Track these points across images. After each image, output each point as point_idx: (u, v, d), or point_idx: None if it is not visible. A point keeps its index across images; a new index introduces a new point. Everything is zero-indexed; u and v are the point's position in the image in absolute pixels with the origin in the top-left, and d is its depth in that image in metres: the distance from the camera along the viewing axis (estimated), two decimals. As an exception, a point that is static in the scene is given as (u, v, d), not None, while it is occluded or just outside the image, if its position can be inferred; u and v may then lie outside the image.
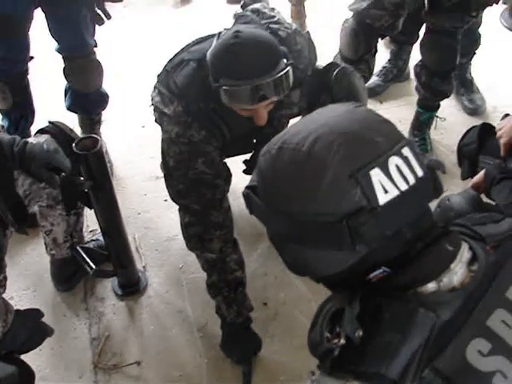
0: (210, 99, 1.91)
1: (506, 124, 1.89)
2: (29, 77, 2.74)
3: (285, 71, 1.80)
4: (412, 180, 0.91)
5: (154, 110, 2.06)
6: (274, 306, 2.35)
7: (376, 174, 0.89)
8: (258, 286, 2.42)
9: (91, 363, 2.19)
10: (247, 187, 1.03)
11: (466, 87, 3.28)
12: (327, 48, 2.69)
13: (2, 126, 2.09)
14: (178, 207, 2.09)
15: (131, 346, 2.24)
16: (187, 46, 2.09)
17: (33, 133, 2.39)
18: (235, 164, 2.55)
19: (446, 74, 2.80)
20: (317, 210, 0.91)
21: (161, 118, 2.02)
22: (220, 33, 1.92)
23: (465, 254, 0.95)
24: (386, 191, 0.89)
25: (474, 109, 3.23)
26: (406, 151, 0.92)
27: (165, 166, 2.06)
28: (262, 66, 1.78)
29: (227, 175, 2.16)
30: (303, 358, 2.08)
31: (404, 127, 3.08)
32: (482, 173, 1.71)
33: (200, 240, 2.06)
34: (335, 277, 0.96)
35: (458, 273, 0.92)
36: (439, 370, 0.83)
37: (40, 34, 2.66)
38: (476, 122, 2.20)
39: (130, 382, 2.14)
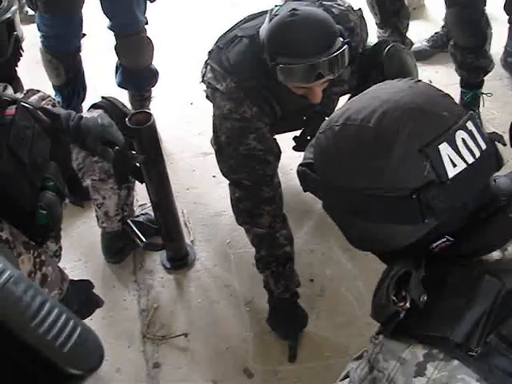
0: (262, 76, 1.92)
1: None
2: (81, 54, 2.79)
3: (341, 50, 1.81)
4: (477, 153, 0.92)
5: (207, 87, 2.08)
6: (321, 283, 2.36)
7: (444, 148, 0.90)
8: (304, 262, 2.43)
9: (140, 333, 2.25)
10: (302, 164, 1.05)
11: None
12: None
13: (59, 102, 2.14)
14: (227, 183, 2.12)
15: (179, 318, 2.29)
16: (239, 22, 2.10)
17: (84, 109, 2.45)
18: (283, 141, 2.57)
19: (478, 49, 2.72)
20: (386, 186, 0.92)
21: (213, 94, 2.04)
22: (272, 10, 1.92)
23: None
24: (454, 165, 0.90)
25: None
26: (469, 125, 0.94)
27: (216, 141, 2.08)
28: (318, 45, 1.79)
29: (277, 152, 2.17)
30: (348, 335, 2.15)
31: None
32: None
33: (250, 215, 2.08)
34: (401, 249, 0.97)
35: None
36: (504, 335, 0.84)
37: (92, 11, 2.71)
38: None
39: (177, 353, 2.19)
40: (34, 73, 2.63)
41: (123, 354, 2.18)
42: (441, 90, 1.00)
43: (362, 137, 0.93)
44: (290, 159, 2.82)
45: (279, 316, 2.18)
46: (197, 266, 2.43)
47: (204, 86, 2.16)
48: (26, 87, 2.07)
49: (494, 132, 1.01)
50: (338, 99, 2.26)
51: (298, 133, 2.36)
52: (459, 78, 2.87)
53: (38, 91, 2.06)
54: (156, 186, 2.22)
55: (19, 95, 1.91)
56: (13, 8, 1.89)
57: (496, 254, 0.92)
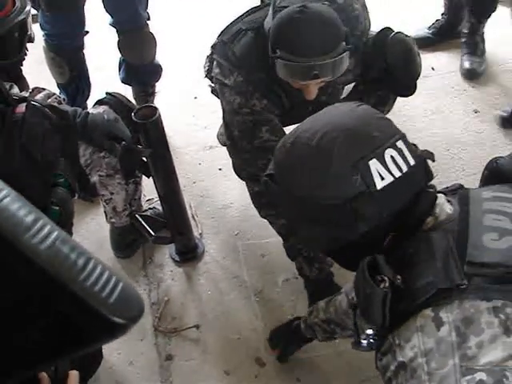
0: (269, 68, 1.93)
1: None
2: (84, 51, 2.81)
3: (341, 55, 1.82)
4: (405, 168, 1.08)
5: (215, 83, 2.09)
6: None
7: (373, 164, 1.06)
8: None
9: (151, 327, 2.27)
10: (266, 175, 1.20)
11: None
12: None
13: (64, 99, 2.16)
14: (234, 175, 2.12)
15: (190, 311, 2.31)
16: (241, 16, 2.10)
17: (89, 106, 2.46)
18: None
19: None
20: (325, 195, 1.08)
21: (222, 89, 2.04)
22: (275, 1, 1.93)
23: (442, 196, 1.15)
24: (382, 178, 1.06)
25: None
26: (400, 144, 1.10)
27: (229, 136, 2.08)
28: (321, 47, 1.80)
29: None
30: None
31: (456, 94, 3.05)
32: None
33: (273, 207, 2.08)
34: (351, 250, 1.13)
35: (444, 203, 1.12)
36: (473, 261, 0.99)
37: (94, 8, 2.72)
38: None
39: (189, 345, 2.21)
40: (37, 73, 2.64)
41: (136, 348, 2.21)
42: (379, 113, 1.17)
43: (307, 154, 1.11)
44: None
45: (319, 298, 2.17)
46: (206, 259, 2.45)
47: (208, 81, 2.17)
48: (30, 87, 2.09)
49: (425, 150, 1.15)
50: (343, 88, 2.26)
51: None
52: None
53: (44, 89, 2.07)
54: (163, 180, 2.23)
55: (25, 94, 1.93)
56: (26, 9, 1.91)
57: (430, 219, 1.10)
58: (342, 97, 2.41)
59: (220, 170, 2.72)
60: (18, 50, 1.85)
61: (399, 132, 1.13)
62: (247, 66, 1.96)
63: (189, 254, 2.47)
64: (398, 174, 1.07)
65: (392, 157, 1.07)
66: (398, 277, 1.04)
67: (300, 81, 1.89)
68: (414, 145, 1.15)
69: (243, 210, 2.47)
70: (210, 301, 2.32)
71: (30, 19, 1.94)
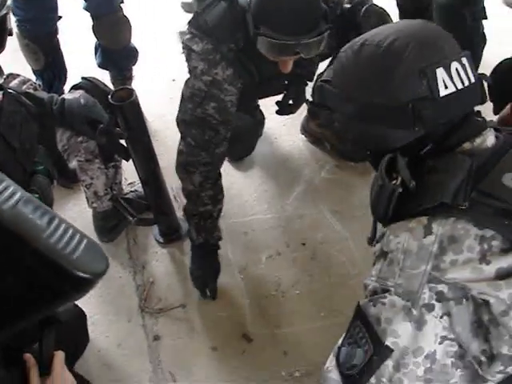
0: (240, 39, 1.95)
1: None
2: (59, 36, 2.79)
3: (324, 34, 1.86)
4: (466, 82, 1.14)
5: (183, 48, 2.10)
6: (312, 246, 2.40)
7: (440, 73, 1.11)
8: (295, 227, 2.47)
9: (138, 308, 2.28)
10: (321, 80, 1.26)
11: None
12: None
13: (39, 85, 2.15)
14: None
15: (175, 291, 2.32)
16: None
17: (66, 91, 2.45)
18: (267, 111, 2.60)
19: None
20: (389, 94, 1.14)
21: (189, 54, 2.06)
22: None
23: (492, 130, 1.20)
24: (446, 87, 1.12)
25: None
26: (464, 60, 1.16)
27: (182, 93, 2.12)
28: (304, 26, 1.83)
29: (260, 118, 2.19)
30: (342, 295, 2.20)
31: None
32: (509, 106, 1.74)
33: (185, 169, 2.15)
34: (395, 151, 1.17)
35: (489, 137, 1.17)
36: (483, 190, 1.06)
37: (67, -8, 2.70)
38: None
39: (175, 325, 2.22)
40: (12, 62, 2.62)
41: (123, 329, 2.22)
42: (447, 33, 1.20)
43: (376, 55, 1.15)
44: (274, 129, 2.87)
45: (197, 263, 2.27)
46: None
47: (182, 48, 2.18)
48: (4, 73, 2.07)
49: (482, 73, 1.23)
50: (318, 62, 2.28)
51: (280, 97, 2.38)
52: None
53: (18, 75, 2.06)
54: (143, 163, 2.24)
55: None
56: (7, 3, 1.89)
57: (466, 145, 1.15)
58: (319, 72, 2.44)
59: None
60: (1, 44, 1.83)
61: (465, 50, 1.18)
62: (217, 35, 1.98)
63: (172, 234, 2.48)
64: (460, 85, 1.13)
65: (457, 69, 1.13)
66: (413, 182, 1.12)
67: (281, 57, 1.91)
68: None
69: (225, 189, 2.47)
70: (195, 280, 2.33)
71: (10, 14, 1.93)
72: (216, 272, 2.28)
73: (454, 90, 1.12)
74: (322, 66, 2.38)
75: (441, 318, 1.05)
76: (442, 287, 1.04)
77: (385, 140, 1.19)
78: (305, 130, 2.79)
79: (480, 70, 1.26)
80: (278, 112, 2.42)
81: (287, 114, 2.49)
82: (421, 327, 1.06)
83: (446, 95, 1.12)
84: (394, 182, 1.13)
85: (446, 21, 2.45)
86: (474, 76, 1.17)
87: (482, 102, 1.20)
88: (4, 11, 1.84)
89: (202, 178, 2.15)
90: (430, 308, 1.05)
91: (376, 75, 1.15)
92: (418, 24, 1.21)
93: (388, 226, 1.16)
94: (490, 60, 2.18)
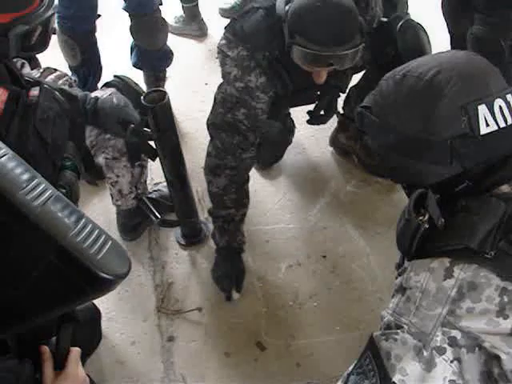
0: (275, 48, 1.96)
1: None
2: (96, 34, 2.82)
3: (358, 47, 1.86)
4: (510, 121, 1.10)
5: (218, 53, 2.11)
6: (333, 259, 2.39)
7: (482, 109, 1.08)
8: (317, 239, 2.46)
9: (155, 308, 2.29)
10: (361, 106, 1.25)
11: None
12: None
13: (75, 81, 2.18)
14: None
15: (193, 294, 2.33)
16: None
17: (99, 88, 2.48)
18: (297, 120, 2.60)
19: None
20: (428, 129, 1.11)
21: (223, 60, 2.08)
22: None
23: None
24: (487, 125, 1.09)
25: None
26: (509, 97, 1.12)
27: (214, 96, 2.14)
28: (339, 37, 1.84)
29: (291, 126, 2.19)
30: (359, 311, 2.19)
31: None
32: None
33: (211, 171, 2.18)
34: (430, 186, 1.16)
35: None
36: (511, 240, 1.03)
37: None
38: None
39: (191, 327, 2.23)
40: (49, 57, 2.67)
41: (138, 328, 2.23)
42: (492, 65, 1.18)
43: (418, 87, 1.13)
44: (303, 139, 2.86)
45: (220, 265, 2.30)
46: (210, 243, 2.46)
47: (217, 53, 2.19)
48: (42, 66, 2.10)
49: None
50: (351, 74, 2.27)
51: (312, 107, 2.39)
52: None
53: (56, 70, 2.09)
54: (171, 164, 2.25)
55: (36, 73, 1.95)
56: (54, 3, 1.92)
57: (504, 187, 1.12)
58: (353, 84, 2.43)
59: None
60: (43, 43, 1.86)
61: (509, 86, 1.15)
62: (253, 42, 1.99)
63: (194, 237, 2.49)
64: (503, 124, 1.10)
65: (500, 107, 1.10)
66: (442, 220, 1.11)
67: (314, 68, 1.92)
68: None
69: (250, 195, 2.48)
70: (214, 285, 2.33)
71: (55, 14, 1.96)
72: (240, 274, 2.30)
73: (496, 128, 1.09)
74: (356, 78, 2.38)
75: (451, 362, 1.03)
76: (455, 333, 1.03)
77: (420, 174, 1.17)
78: (333, 142, 2.78)
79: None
80: (308, 122, 2.42)
81: (318, 124, 2.50)
82: (430, 369, 1.04)
83: (487, 133, 1.09)
84: (421, 218, 1.12)
85: (483, 53, 2.40)
86: None
87: None
88: (51, 11, 1.87)
89: (227, 182, 2.17)
90: (441, 351, 1.04)
91: (416, 109, 1.13)
92: (463, 57, 1.18)
93: (411, 260, 1.15)
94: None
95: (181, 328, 2.23)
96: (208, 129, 2.18)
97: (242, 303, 2.28)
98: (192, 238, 2.49)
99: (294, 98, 2.19)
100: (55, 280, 0.73)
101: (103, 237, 0.73)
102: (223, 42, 2.07)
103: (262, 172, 2.75)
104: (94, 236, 0.73)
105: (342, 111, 2.61)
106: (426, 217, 1.11)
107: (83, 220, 0.73)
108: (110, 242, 0.73)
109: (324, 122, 2.49)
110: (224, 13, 3.67)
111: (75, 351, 1.16)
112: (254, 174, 2.65)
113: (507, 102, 1.11)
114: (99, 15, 2.79)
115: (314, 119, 2.41)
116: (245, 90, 2.03)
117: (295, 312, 2.24)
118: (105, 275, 0.72)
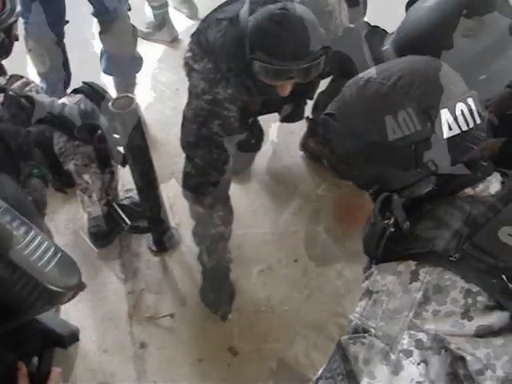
0: (240, 59, 1.94)
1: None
2: (65, 40, 2.81)
3: (319, 60, 1.83)
4: (472, 124, 1.12)
5: (184, 65, 2.10)
6: (304, 263, 2.40)
7: (444, 114, 1.10)
8: (288, 243, 2.47)
9: (127, 315, 2.28)
10: (325, 114, 1.25)
11: None
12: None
13: (42, 88, 2.16)
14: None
15: (165, 300, 2.33)
16: (219, 6, 2.12)
17: (69, 95, 2.47)
18: (268, 126, 2.61)
19: None
20: (392, 135, 1.11)
21: (190, 73, 2.06)
22: None
23: (498, 176, 1.18)
24: (450, 128, 1.10)
25: None
26: (470, 101, 1.13)
27: (184, 114, 2.11)
28: (299, 52, 1.80)
29: (259, 133, 2.19)
30: (330, 314, 2.19)
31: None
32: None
33: (194, 192, 2.13)
34: (395, 191, 1.17)
35: (493, 183, 1.15)
36: (476, 243, 1.04)
37: (75, -2, 2.72)
38: None
39: (163, 333, 2.23)
40: (15, 63, 2.65)
41: (110, 335, 2.23)
42: (452, 70, 1.18)
43: (381, 92, 1.13)
44: (274, 145, 2.87)
45: (210, 287, 2.28)
46: (182, 249, 2.47)
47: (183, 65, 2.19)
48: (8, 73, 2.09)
49: (490, 113, 1.25)
50: (318, 82, 2.29)
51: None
52: None
53: (22, 77, 2.07)
54: (140, 171, 2.24)
55: (2, 80, 1.93)
56: (17, 10, 1.90)
57: (468, 190, 1.14)
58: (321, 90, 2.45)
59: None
60: (4, 50, 1.84)
61: (471, 90, 1.16)
62: (218, 54, 1.97)
63: (165, 243, 2.49)
64: (465, 127, 1.11)
65: (462, 111, 1.11)
66: (408, 223, 1.12)
67: (275, 82, 1.91)
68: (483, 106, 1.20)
69: (221, 201, 2.48)
70: (185, 290, 2.34)
71: (18, 21, 1.95)
72: (231, 296, 2.29)
73: (458, 131, 1.11)
74: (324, 82, 2.40)
75: (418, 364, 1.04)
76: (421, 336, 1.04)
77: (385, 179, 1.19)
78: (303, 146, 2.80)
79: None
80: (282, 120, 2.44)
81: (287, 122, 2.51)
82: (397, 372, 1.04)
83: (450, 137, 1.10)
84: (387, 221, 1.14)
85: None
86: (480, 116, 1.15)
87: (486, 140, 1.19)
88: (13, 18, 1.85)
89: (212, 200, 2.12)
90: (408, 354, 1.04)
91: (379, 114, 1.13)
92: (424, 61, 1.19)
93: (378, 264, 1.16)
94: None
95: (153, 334, 2.22)
96: (183, 149, 2.14)
97: (214, 308, 2.29)
98: (163, 245, 2.48)
99: (261, 108, 2.19)
100: (3, 293, 0.73)
101: (52, 249, 0.73)
102: (189, 54, 2.06)
103: (233, 177, 2.75)
104: (42, 248, 0.73)
105: (311, 116, 2.63)
106: (392, 220, 1.13)
107: (32, 232, 0.73)
108: (59, 254, 0.73)
109: (294, 121, 2.52)
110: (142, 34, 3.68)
111: (56, 372, 1.15)
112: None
113: (468, 106, 1.12)
114: (67, 21, 2.77)
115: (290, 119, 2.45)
116: (214, 102, 2.02)
117: (267, 316, 2.25)
118: (53, 287, 0.71)
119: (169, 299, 2.33)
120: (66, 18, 2.75)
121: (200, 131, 2.05)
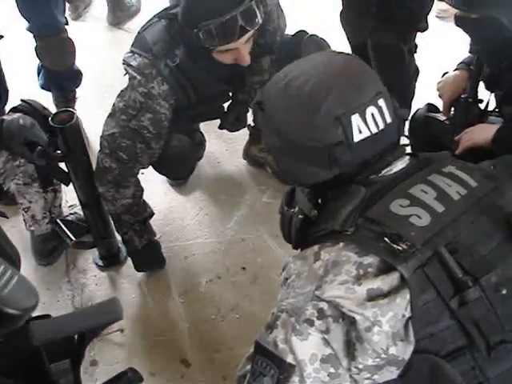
0: (176, 56, 1.99)
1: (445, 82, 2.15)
2: (0, 56, 2.76)
3: (253, 1, 1.89)
4: (381, 125, 1.20)
5: (123, 63, 2.13)
6: (252, 270, 2.42)
7: (355, 119, 1.17)
8: (235, 251, 2.49)
9: (76, 333, 2.25)
10: (255, 102, 1.31)
11: None
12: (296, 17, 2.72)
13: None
14: (98, 149, 2.22)
15: (114, 315, 2.30)
16: (162, 10, 2.15)
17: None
18: (210, 134, 2.61)
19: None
20: (308, 136, 1.20)
21: (127, 69, 2.10)
22: None
23: (406, 158, 1.27)
24: (360, 132, 1.18)
25: None
26: (381, 102, 1.21)
27: (114, 106, 2.14)
28: (232, 0, 1.87)
29: (200, 140, 2.21)
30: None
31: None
32: None
33: (116, 186, 2.18)
34: (313, 184, 1.28)
35: (397, 165, 1.24)
36: (368, 216, 1.15)
37: (9, 11, 2.68)
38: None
39: (113, 349, 2.20)
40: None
41: (60, 354, 2.19)
42: (366, 65, 1.27)
43: (299, 96, 1.20)
44: (216, 153, 2.89)
45: (145, 261, 2.38)
46: (129, 262, 2.44)
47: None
48: None
49: (404, 109, 1.27)
50: (260, 88, 2.31)
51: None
52: None
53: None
54: (83, 186, 2.23)
55: None
56: None
57: (373, 176, 1.22)
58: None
59: (142, 173, 2.70)
60: None
61: (382, 88, 1.24)
62: (155, 51, 2.03)
63: (112, 258, 2.47)
64: (374, 130, 1.19)
65: (372, 114, 1.19)
66: (315, 211, 1.25)
67: (230, 42, 1.93)
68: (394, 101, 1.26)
69: (166, 213, 2.48)
70: (135, 304, 2.33)
71: None
72: (163, 262, 2.41)
73: (368, 134, 1.19)
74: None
75: (321, 332, 1.12)
76: (322, 305, 1.12)
77: (304, 175, 1.27)
78: (247, 154, 2.82)
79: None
80: (219, 126, 2.46)
81: (231, 131, 2.54)
82: (307, 338, 1.12)
83: (360, 140, 1.18)
84: (293, 210, 1.29)
85: (386, 58, 2.49)
86: (391, 115, 1.22)
87: (399, 137, 1.28)
88: None
89: (134, 188, 2.22)
90: (311, 323, 1.12)
91: (297, 115, 1.21)
92: (341, 62, 1.26)
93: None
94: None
95: (103, 351, 2.20)
96: (103, 143, 2.17)
97: (164, 320, 2.28)
98: (110, 259, 2.47)
99: (198, 110, 2.21)
100: None
101: (9, 272, 0.73)
102: (128, 54, 2.10)
103: (177, 188, 2.76)
104: None
105: (252, 124, 2.65)
106: (297, 208, 1.28)
107: None
108: (16, 277, 0.73)
109: (234, 131, 2.55)
110: None
111: None
112: (169, 190, 2.67)
113: (379, 107, 1.20)
114: (2, 36, 2.72)
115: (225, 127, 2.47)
116: (148, 95, 2.05)
117: (218, 325, 2.25)
118: (11, 311, 0.71)
119: (118, 314, 2.31)
120: (1, 33, 2.70)
121: (129, 123, 2.09)
